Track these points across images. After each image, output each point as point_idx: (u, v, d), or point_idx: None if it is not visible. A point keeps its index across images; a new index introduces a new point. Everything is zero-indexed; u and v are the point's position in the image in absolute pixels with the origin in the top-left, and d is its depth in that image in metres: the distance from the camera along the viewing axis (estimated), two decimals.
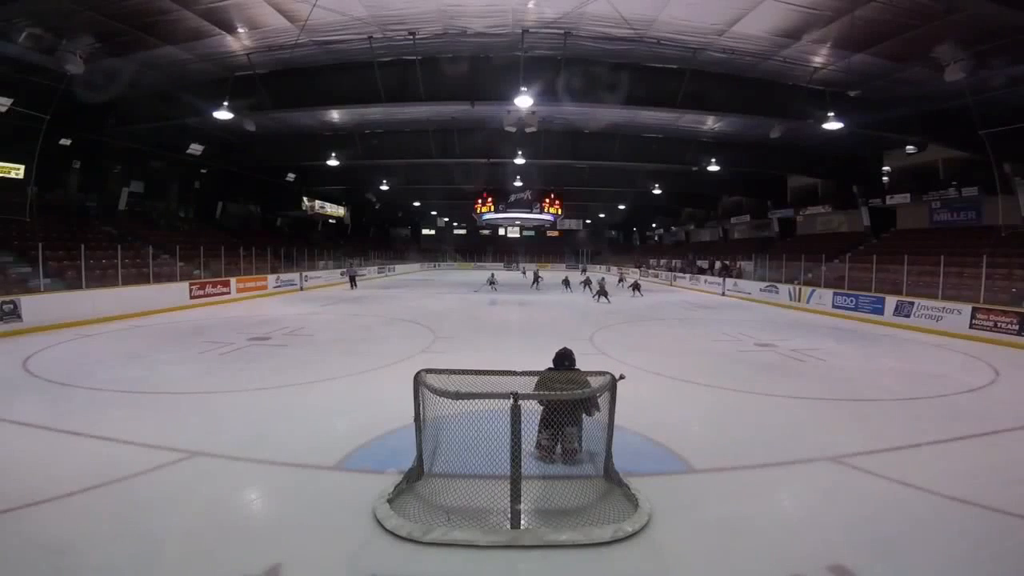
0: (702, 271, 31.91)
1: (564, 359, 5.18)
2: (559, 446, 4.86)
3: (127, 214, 23.12)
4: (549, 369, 5.09)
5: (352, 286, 27.49)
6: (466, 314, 17.07)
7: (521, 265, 51.42)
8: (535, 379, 4.54)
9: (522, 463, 3.86)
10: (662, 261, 40.62)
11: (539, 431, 4.78)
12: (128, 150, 20.85)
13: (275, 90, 15.62)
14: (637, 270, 41.03)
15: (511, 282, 33.13)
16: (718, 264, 30.93)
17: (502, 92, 14.47)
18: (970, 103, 14.55)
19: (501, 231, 62.30)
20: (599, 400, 4.46)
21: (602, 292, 21.20)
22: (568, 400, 4.56)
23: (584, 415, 4.77)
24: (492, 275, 29.34)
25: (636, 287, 24.59)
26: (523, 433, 3.88)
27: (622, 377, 4.41)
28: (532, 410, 4.45)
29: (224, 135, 22.24)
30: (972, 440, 5.87)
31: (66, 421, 5.93)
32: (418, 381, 4.18)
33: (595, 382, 4.46)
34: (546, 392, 4.63)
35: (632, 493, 4.16)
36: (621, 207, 44.80)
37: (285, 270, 26.08)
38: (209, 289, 19.09)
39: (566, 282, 27.52)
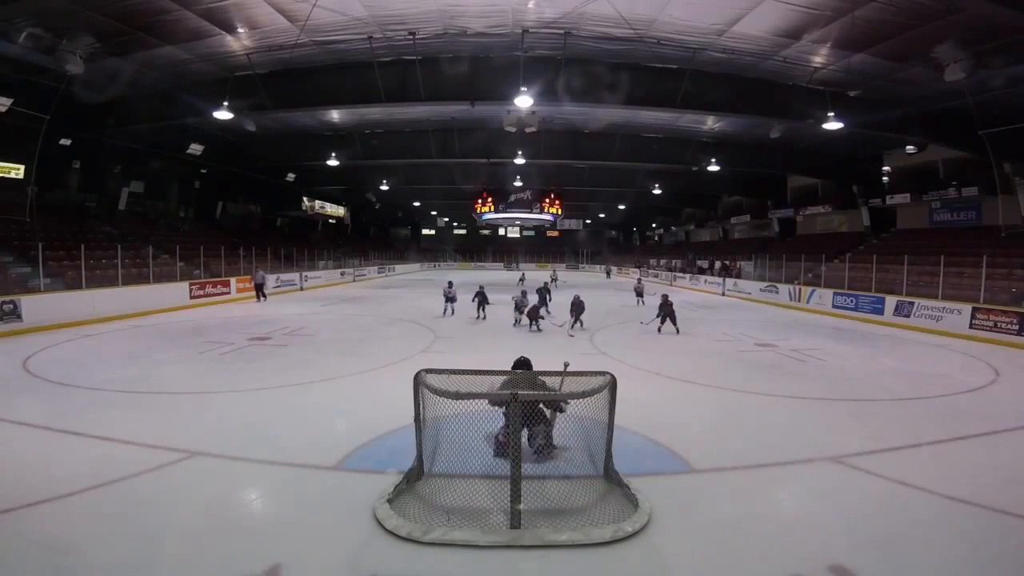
0: (702, 271, 31.93)
1: (522, 367, 5.42)
2: (528, 443, 4.92)
3: (127, 214, 23.12)
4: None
5: (259, 297, 20.29)
6: (466, 314, 17.06)
7: (520, 269, 41.93)
8: (502, 379, 4.64)
9: (521, 464, 3.86)
10: (662, 261, 40.66)
11: (500, 430, 4.84)
12: (128, 150, 20.84)
13: (275, 90, 15.60)
14: (637, 270, 40.94)
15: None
16: (718, 264, 30.94)
17: (502, 92, 14.46)
18: (970, 103, 14.55)
19: (501, 231, 62.32)
20: (597, 399, 4.48)
21: (535, 313, 13.36)
22: (533, 400, 4.64)
23: (554, 412, 4.91)
24: (449, 284, 16.75)
25: (668, 314, 13.07)
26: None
27: (566, 365, 4.76)
28: (495, 411, 4.64)
29: (224, 135, 22.22)
30: (972, 440, 5.87)
31: (66, 421, 5.93)
32: (418, 381, 4.18)
33: (549, 381, 4.68)
34: (544, 392, 4.65)
35: (632, 493, 4.16)
36: (621, 207, 44.79)
37: (285, 270, 26.10)
38: (209, 289, 19.10)
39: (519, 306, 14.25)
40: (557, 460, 4.84)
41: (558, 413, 4.88)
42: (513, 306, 14.39)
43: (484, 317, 15.28)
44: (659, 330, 13.24)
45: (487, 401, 4.19)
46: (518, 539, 3.63)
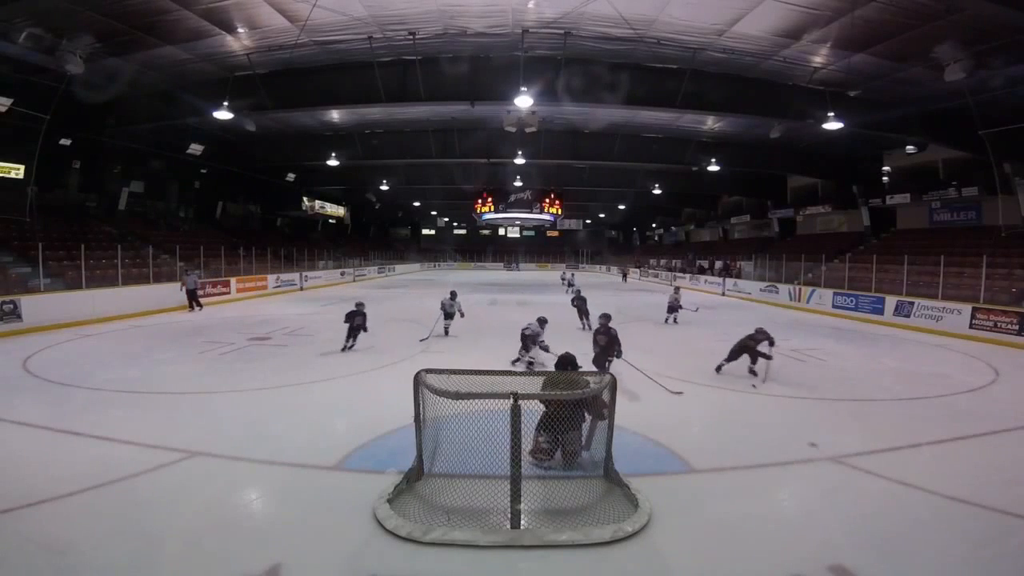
0: (702, 271, 31.93)
1: (567, 364, 5.21)
2: (559, 450, 4.80)
3: (127, 214, 23.12)
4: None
5: (192, 305, 16.70)
6: (466, 314, 17.06)
7: (569, 276, 29.63)
8: (536, 379, 4.53)
9: (522, 463, 3.86)
10: (662, 261, 40.65)
11: (538, 433, 4.69)
12: (128, 150, 20.81)
13: (275, 90, 15.60)
14: (636, 270, 40.86)
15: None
16: (718, 264, 30.95)
17: (502, 92, 14.46)
18: (970, 103, 14.52)
19: (501, 231, 62.30)
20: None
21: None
22: (570, 401, 4.51)
23: (597, 419, 4.67)
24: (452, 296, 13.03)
25: (752, 353, 8.66)
26: (523, 433, 3.87)
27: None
28: (532, 411, 4.30)
29: (224, 135, 22.21)
30: (972, 440, 5.87)
31: (66, 421, 5.94)
32: (418, 381, 4.18)
33: (594, 383, 4.43)
34: (547, 392, 4.61)
35: (632, 493, 4.16)
36: (621, 207, 44.74)
37: (285, 270, 26.10)
38: (209, 289, 19.08)
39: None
40: (583, 467, 4.73)
41: (600, 421, 4.64)
42: (522, 343, 9.48)
43: (353, 346, 10.57)
44: (755, 372, 8.68)
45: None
46: (518, 539, 3.63)
